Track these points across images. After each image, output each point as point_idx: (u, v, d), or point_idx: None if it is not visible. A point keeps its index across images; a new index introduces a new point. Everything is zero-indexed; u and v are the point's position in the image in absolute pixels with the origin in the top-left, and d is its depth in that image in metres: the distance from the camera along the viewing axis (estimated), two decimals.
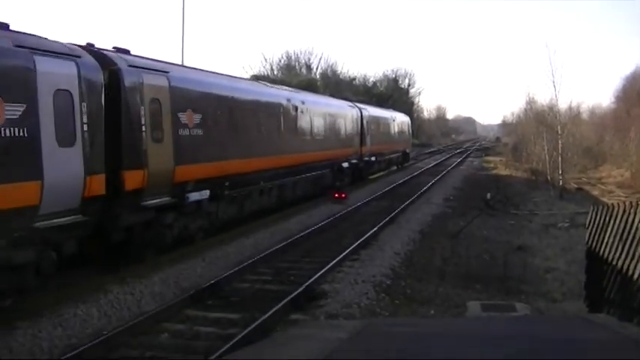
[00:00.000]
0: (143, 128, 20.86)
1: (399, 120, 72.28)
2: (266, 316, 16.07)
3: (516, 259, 25.46)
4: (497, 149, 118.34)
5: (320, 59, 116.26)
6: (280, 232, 28.80)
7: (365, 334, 12.10)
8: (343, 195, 39.95)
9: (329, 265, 21.53)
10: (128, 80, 20.32)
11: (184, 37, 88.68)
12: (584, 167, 73.56)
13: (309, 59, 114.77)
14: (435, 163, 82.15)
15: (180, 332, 15.53)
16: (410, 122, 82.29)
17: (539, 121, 68.75)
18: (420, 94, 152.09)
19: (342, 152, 45.97)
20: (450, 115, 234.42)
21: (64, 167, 17.13)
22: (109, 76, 19.64)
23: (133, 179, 20.31)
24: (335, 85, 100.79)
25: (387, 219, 31.85)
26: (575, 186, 59.38)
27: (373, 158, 55.66)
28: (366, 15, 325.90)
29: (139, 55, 22.85)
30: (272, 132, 32.43)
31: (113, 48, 21.66)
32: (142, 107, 20.88)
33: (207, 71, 28.66)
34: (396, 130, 69.39)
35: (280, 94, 35.54)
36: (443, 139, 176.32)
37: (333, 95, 60.40)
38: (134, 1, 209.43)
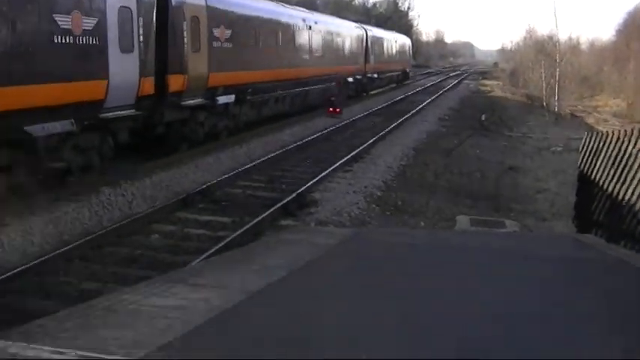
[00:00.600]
0: (185, 40, 24.25)
1: (400, 41, 76.39)
2: (256, 220, 16.15)
3: (508, 179, 25.58)
4: (495, 74, 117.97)
5: None
6: (274, 142, 28.86)
7: (354, 241, 12.18)
8: (337, 110, 39.97)
9: (321, 175, 21.64)
10: (174, 0, 23.58)
11: None
12: (580, 96, 73.54)
13: None
14: (431, 83, 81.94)
15: (171, 233, 15.60)
16: (410, 44, 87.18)
17: (539, 50, 68.57)
18: (419, 16, 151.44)
19: (348, 68, 49.82)
20: (448, 40, 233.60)
21: (125, 70, 20.09)
22: None
23: (175, 82, 23.62)
24: (334, 5, 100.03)
25: (382, 134, 31.87)
26: (571, 113, 59.34)
27: (375, 75, 59.12)
28: None
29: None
30: (289, 48, 36.38)
31: None
32: (184, 22, 24.29)
33: None
34: (398, 50, 73.03)
35: (297, 15, 39.74)
36: (440, 62, 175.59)
37: (339, 16, 60.53)
38: None
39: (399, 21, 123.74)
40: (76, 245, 13.89)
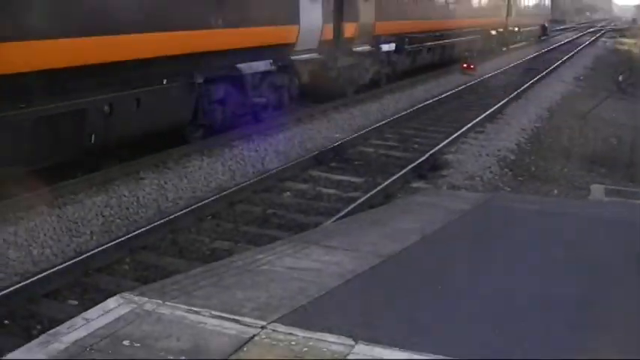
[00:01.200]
0: None
1: None
2: (388, 181, 16.08)
3: None
4: (633, 31, 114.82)
5: None
6: (407, 99, 28.79)
7: (487, 207, 12.10)
8: (472, 66, 39.71)
9: (453, 136, 21.40)
10: None
11: None
12: None
13: None
14: (567, 40, 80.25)
15: (303, 192, 15.69)
16: None
17: None
18: None
19: (491, 21, 50.94)
20: None
21: (311, 17, 22.50)
22: None
23: (349, 29, 25.58)
24: None
25: (515, 94, 31.47)
26: None
27: (516, 29, 60.37)
28: None
29: None
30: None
31: None
32: None
33: None
34: (537, 3, 72.94)
35: None
36: (577, 17, 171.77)
37: None
38: None
39: None
40: (208, 202, 14.12)
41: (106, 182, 14.86)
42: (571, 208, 12.77)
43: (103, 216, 13.30)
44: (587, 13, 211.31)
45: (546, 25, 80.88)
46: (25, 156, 12.76)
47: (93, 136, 14.29)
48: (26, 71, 12.02)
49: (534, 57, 53.17)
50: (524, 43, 65.85)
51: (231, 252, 11.55)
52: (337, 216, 13.32)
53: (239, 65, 18.95)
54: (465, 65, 39.85)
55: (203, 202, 14.03)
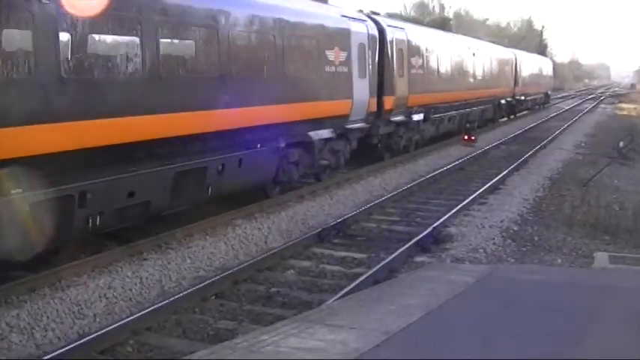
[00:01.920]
0: (394, 68, 30.32)
1: (543, 64, 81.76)
2: (392, 256, 16.04)
3: None
4: (632, 96, 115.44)
5: None
6: (409, 172, 28.94)
7: (492, 279, 12.07)
8: (473, 138, 39.94)
9: (456, 208, 21.42)
10: (389, 36, 29.90)
11: None
12: None
13: None
14: (567, 107, 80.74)
15: (307, 269, 15.68)
16: (551, 66, 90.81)
17: None
18: (553, 36, 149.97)
19: (502, 91, 54.49)
20: (583, 61, 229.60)
21: (361, 92, 26.45)
22: (379, 33, 28.93)
23: (388, 102, 29.52)
24: (468, 25, 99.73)
25: (517, 163, 31.58)
26: None
27: (523, 97, 63.24)
28: None
29: (385, 16, 34.84)
30: (459, 73, 42.42)
31: (370, 11, 31.93)
32: (394, 53, 30.38)
33: (426, 27, 42.48)
34: (541, 73, 77.29)
35: (464, 43, 46.26)
36: (575, 84, 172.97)
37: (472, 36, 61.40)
38: None
39: (532, 41, 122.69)
40: (212, 282, 14.08)
41: (109, 264, 14.90)
42: (575, 277, 12.76)
43: (107, 298, 13.31)
44: (586, 80, 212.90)
45: (549, 92, 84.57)
46: (168, 202, 16.75)
47: (210, 188, 18.21)
48: (171, 136, 16.20)
49: (535, 126, 53.45)
50: (529, 110, 69.09)
51: (236, 332, 11.53)
52: (341, 293, 13.30)
53: (310, 133, 22.87)
54: (466, 137, 40.10)
55: (207, 282, 14.04)
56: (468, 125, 43.06)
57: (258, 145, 19.99)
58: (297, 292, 14.09)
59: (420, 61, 34.54)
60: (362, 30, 27.28)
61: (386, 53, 29.48)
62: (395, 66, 30.48)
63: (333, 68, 24.50)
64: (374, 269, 15.02)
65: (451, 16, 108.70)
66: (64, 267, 14.21)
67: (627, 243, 19.89)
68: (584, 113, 71.47)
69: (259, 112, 19.75)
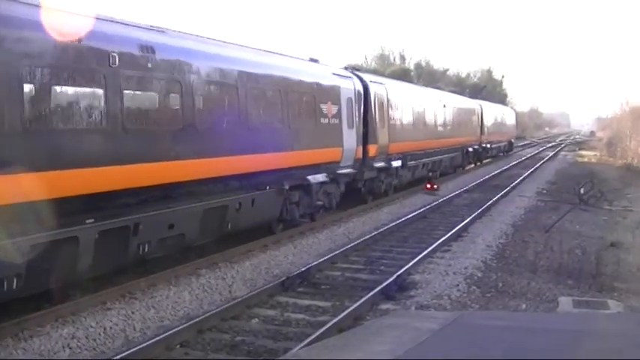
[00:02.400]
0: (376, 119, 33.71)
1: (506, 113, 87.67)
2: (356, 304, 16.04)
3: (609, 256, 25.07)
4: (592, 143, 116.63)
5: (414, 50, 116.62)
6: (372, 221, 29.01)
7: (456, 325, 12.05)
8: (435, 186, 40.12)
9: (420, 256, 21.44)
10: (371, 90, 33.45)
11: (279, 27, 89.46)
12: None
13: (403, 50, 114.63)
14: (527, 155, 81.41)
15: (271, 318, 15.63)
16: (515, 115, 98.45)
17: (636, 116, 67.67)
18: (513, 86, 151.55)
19: (469, 139, 58.86)
20: (543, 109, 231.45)
21: (349, 140, 29.92)
22: (363, 88, 32.53)
23: (372, 150, 32.82)
24: (428, 76, 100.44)
25: (479, 211, 31.79)
26: None
27: (489, 145, 68.16)
28: (460, 10, 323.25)
29: (366, 72, 42.04)
30: (432, 123, 46.52)
31: (353, 68, 39.19)
32: (375, 106, 33.73)
33: (404, 82, 47.50)
34: (505, 122, 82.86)
35: (435, 95, 50.79)
36: (536, 132, 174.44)
37: (433, 87, 62.58)
38: None
39: (493, 90, 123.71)
40: (176, 331, 14.00)
41: (72, 313, 14.81)
42: (539, 323, 12.73)
43: (70, 348, 13.24)
44: (547, 129, 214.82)
45: (512, 140, 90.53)
46: (198, 234, 19.52)
47: (229, 224, 20.87)
48: (203, 178, 19.09)
49: (497, 174, 53.80)
50: (494, 158, 72.53)
51: None
52: (306, 341, 13.25)
53: (308, 177, 25.80)
54: (428, 186, 40.29)
55: (171, 331, 13.94)
56: (430, 174, 43.34)
57: (267, 187, 22.96)
58: (263, 340, 14.05)
59: (399, 112, 38.23)
60: (349, 86, 30.99)
61: (369, 106, 33.10)
62: (377, 117, 33.99)
63: (327, 120, 27.87)
64: (339, 317, 15.01)
65: (412, 66, 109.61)
66: (27, 317, 14.13)
67: (591, 287, 20.04)
68: (545, 161, 72.11)
69: (270, 158, 22.79)
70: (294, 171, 24.57)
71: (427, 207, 33.16)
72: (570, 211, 34.08)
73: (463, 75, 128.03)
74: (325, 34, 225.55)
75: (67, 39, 14.72)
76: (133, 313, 15.34)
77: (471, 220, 29.10)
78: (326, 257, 21.34)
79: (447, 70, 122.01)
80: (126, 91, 16.35)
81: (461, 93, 72.61)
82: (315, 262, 20.43)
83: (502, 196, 38.49)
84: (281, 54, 26.87)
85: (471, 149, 59.78)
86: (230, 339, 14.08)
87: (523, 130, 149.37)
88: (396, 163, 36.63)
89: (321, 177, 26.75)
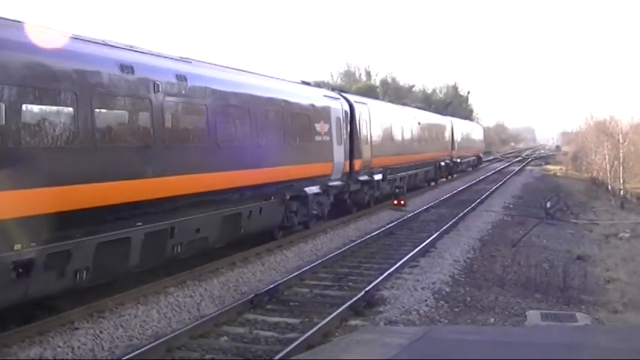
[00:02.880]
0: (360, 136, 36.48)
1: (476, 130, 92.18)
2: (325, 321, 16.03)
3: (576, 269, 25.25)
4: (557, 158, 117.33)
5: (380, 66, 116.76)
6: (339, 238, 28.99)
7: (425, 340, 12.09)
8: (402, 202, 40.18)
9: (388, 272, 21.42)
10: (356, 110, 36.42)
11: (246, 43, 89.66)
12: None
13: (369, 66, 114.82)
14: (493, 171, 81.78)
15: (240, 336, 15.59)
16: (482, 131, 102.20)
17: (600, 130, 68.14)
18: (479, 101, 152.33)
19: (441, 154, 61.97)
20: (509, 124, 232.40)
21: (338, 156, 32.64)
22: (349, 107, 35.58)
23: (357, 164, 35.53)
24: (394, 92, 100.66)
25: (447, 226, 31.89)
26: (637, 196, 58.60)
27: (459, 160, 71.50)
28: (425, 26, 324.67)
29: (351, 93, 45.83)
30: (408, 139, 48.91)
31: (340, 90, 41.27)
32: (359, 125, 36.54)
33: (383, 102, 52.44)
34: (474, 137, 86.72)
35: (410, 113, 53.71)
36: (502, 147, 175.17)
37: (400, 103, 63.29)
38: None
39: (459, 106, 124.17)
40: (145, 350, 13.93)
41: (39, 334, 14.67)
42: (508, 336, 12.80)
43: None
44: (512, 144, 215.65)
45: (481, 155, 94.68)
46: (217, 238, 21.98)
47: (242, 229, 23.57)
48: (222, 189, 21.68)
49: (463, 189, 53.99)
50: (463, 172, 74.88)
51: None
52: (275, 358, 13.23)
53: (305, 188, 28.43)
54: (395, 202, 40.34)
55: (140, 350, 13.86)
56: (397, 190, 43.43)
57: (272, 197, 25.67)
58: (232, 358, 14.01)
59: (379, 129, 41.00)
60: (338, 106, 33.91)
61: (355, 124, 36.03)
62: (361, 134, 36.89)
63: (320, 137, 30.74)
64: (308, 334, 14.99)
65: (377, 83, 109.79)
66: None
67: (558, 300, 20.17)
68: (511, 175, 72.46)
69: (275, 171, 25.71)
70: (294, 183, 27.54)
71: (394, 223, 33.17)
72: (537, 225, 34.31)
73: (429, 91, 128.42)
74: (290, 50, 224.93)
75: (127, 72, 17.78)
76: (101, 332, 15.24)
77: (438, 235, 29.15)
78: (294, 274, 21.28)
79: (413, 86, 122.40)
80: (166, 114, 19.19)
81: (427, 109, 72.99)
82: (284, 279, 20.39)
83: (469, 211, 38.64)
84: (282, 79, 30.77)
85: (443, 163, 62.69)
86: (199, 357, 14.05)
87: (489, 145, 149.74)
88: (378, 177, 39.30)
89: (315, 188, 29.61)
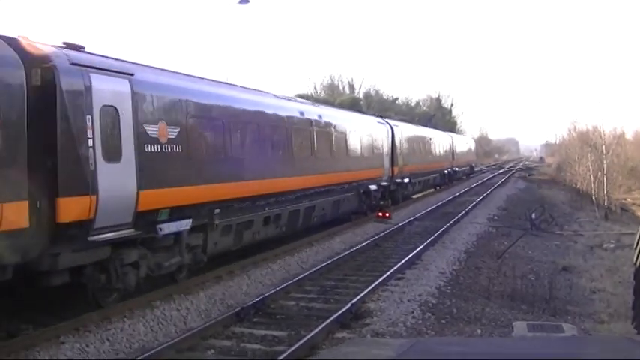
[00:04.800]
0: (397, 150, 48.89)
1: (469, 142, 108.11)
2: (312, 333, 16.02)
3: (562, 280, 25.34)
4: (541, 169, 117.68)
5: (363, 79, 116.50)
6: (325, 250, 28.95)
7: (413, 352, 12.08)
8: (387, 214, 40.15)
9: (374, 284, 21.42)
10: (396, 131, 48.66)
11: (228, 56, 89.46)
12: (628, 188, 72.87)
13: (352, 79, 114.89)
14: (478, 182, 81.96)
15: (227, 349, 15.57)
16: (474, 144, 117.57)
17: (584, 142, 68.38)
18: (462, 113, 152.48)
19: (441, 165, 71.17)
20: (492, 136, 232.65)
21: (387, 164, 45.43)
22: (391, 129, 47.89)
23: (395, 170, 47.52)
24: (378, 104, 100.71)
25: (432, 238, 31.87)
26: (620, 207, 58.85)
27: (457, 169, 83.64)
28: (408, 39, 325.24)
29: (394, 119, 57.38)
30: (424, 152, 60.92)
31: (381, 115, 54.59)
32: (396, 141, 48.44)
33: (409, 124, 62.19)
34: (468, 149, 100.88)
35: (425, 131, 66.72)
36: (486, 159, 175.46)
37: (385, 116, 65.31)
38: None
39: (442, 118, 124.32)
40: None
41: (25, 348, 14.62)
42: (495, 347, 12.78)
43: None
44: (496, 155, 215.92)
45: (473, 165, 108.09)
46: (329, 214, 33.86)
47: (339, 209, 35.76)
48: (330, 184, 33.10)
49: (448, 201, 54.07)
50: (460, 179, 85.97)
51: None
52: None
53: (369, 186, 40.96)
54: (380, 214, 40.28)
55: None
56: (382, 202, 43.58)
57: (352, 192, 37.58)
58: None
59: (407, 145, 52.72)
60: (384, 128, 46.77)
61: (394, 141, 47.74)
62: (398, 148, 48.55)
63: (378, 151, 44.06)
64: (295, 346, 14.98)
65: (361, 95, 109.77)
66: None
67: (544, 311, 20.23)
68: (495, 187, 72.58)
69: (355, 174, 38.00)
70: (364, 182, 39.52)
71: (380, 235, 33.15)
72: (522, 236, 34.41)
73: (413, 103, 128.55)
74: (271, 62, 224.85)
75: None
76: (87, 346, 15.19)
77: (423, 247, 29.08)
78: (280, 287, 21.27)
79: (397, 98, 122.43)
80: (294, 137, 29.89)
81: (411, 121, 73.31)
82: (270, 292, 20.35)
83: (454, 223, 38.58)
84: (360, 112, 50.28)
85: (446, 172, 74.59)
86: None
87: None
88: (406, 180, 50.73)
89: (374, 186, 41.37)
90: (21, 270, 15.44)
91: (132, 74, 18.91)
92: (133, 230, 18.15)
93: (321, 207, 32.98)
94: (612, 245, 35.28)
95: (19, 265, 15.24)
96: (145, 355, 14.04)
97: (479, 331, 17.27)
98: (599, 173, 58.60)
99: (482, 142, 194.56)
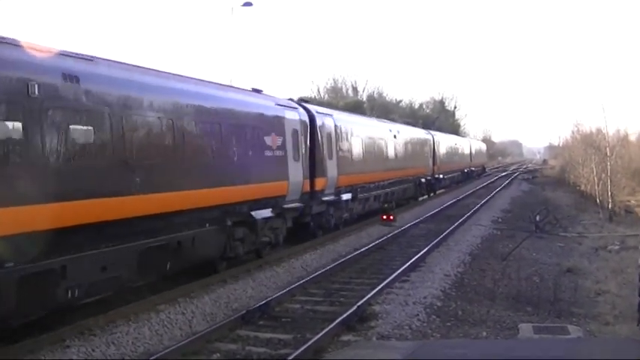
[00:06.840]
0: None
1: (482, 146, 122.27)
2: (317, 336, 16.01)
3: (567, 282, 25.27)
4: (545, 172, 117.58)
5: (366, 81, 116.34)
6: (329, 253, 28.92)
7: (418, 355, 12.06)
8: (391, 217, 40.04)
9: (379, 287, 21.41)
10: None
11: (232, 59, 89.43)
12: (632, 190, 72.67)
13: (356, 82, 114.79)
14: (481, 185, 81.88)
15: (233, 352, 15.56)
16: (486, 146, 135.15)
17: (587, 143, 68.25)
18: (466, 116, 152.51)
19: (463, 165, 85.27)
20: (495, 138, 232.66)
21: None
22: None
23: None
24: (381, 107, 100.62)
25: (436, 241, 31.86)
26: (625, 209, 58.68)
27: (473, 168, 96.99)
28: (411, 41, 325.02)
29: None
30: (454, 153, 75.44)
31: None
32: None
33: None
34: (482, 152, 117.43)
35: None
36: (489, 162, 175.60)
37: (388, 119, 64.94)
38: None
39: (446, 121, 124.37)
40: None
41: (30, 352, 14.63)
42: (501, 349, 12.80)
43: None
44: (499, 158, 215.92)
45: (485, 166, 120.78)
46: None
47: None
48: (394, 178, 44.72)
49: (452, 203, 53.93)
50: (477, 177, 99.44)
51: None
52: None
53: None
54: (384, 217, 40.16)
55: None
56: (386, 205, 43.38)
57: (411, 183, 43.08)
58: None
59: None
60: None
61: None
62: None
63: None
64: (300, 350, 14.96)
65: (364, 98, 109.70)
66: None
67: (550, 313, 20.18)
68: (499, 190, 72.48)
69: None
70: (419, 176, 43.76)
71: (384, 238, 33.11)
72: (526, 238, 34.31)
73: (416, 106, 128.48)
74: (274, 65, 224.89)
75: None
76: (93, 350, 15.20)
77: (428, 250, 29.09)
78: (285, 290, 21.26)
79: (400, 101, 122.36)
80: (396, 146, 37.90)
81: (414, 124, 73.20)
82: (275, 295, 20.34)
83: (458, 226, 38.55)
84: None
85: (466, 170, 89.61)
86: None
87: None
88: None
89: (423, 179, 39.17)
90: (297, 217, 30.01)
91: (331, 115, 35.97)
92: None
93: (402, 190, 50.10)
94: (617, 247, 35.14)
95: (297, 212, 29.68)
96: (150, 358, 14.00)
97: (484, 333, 17.24)
98: (603, 175, 58.34)
99: (485, 144, 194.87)
